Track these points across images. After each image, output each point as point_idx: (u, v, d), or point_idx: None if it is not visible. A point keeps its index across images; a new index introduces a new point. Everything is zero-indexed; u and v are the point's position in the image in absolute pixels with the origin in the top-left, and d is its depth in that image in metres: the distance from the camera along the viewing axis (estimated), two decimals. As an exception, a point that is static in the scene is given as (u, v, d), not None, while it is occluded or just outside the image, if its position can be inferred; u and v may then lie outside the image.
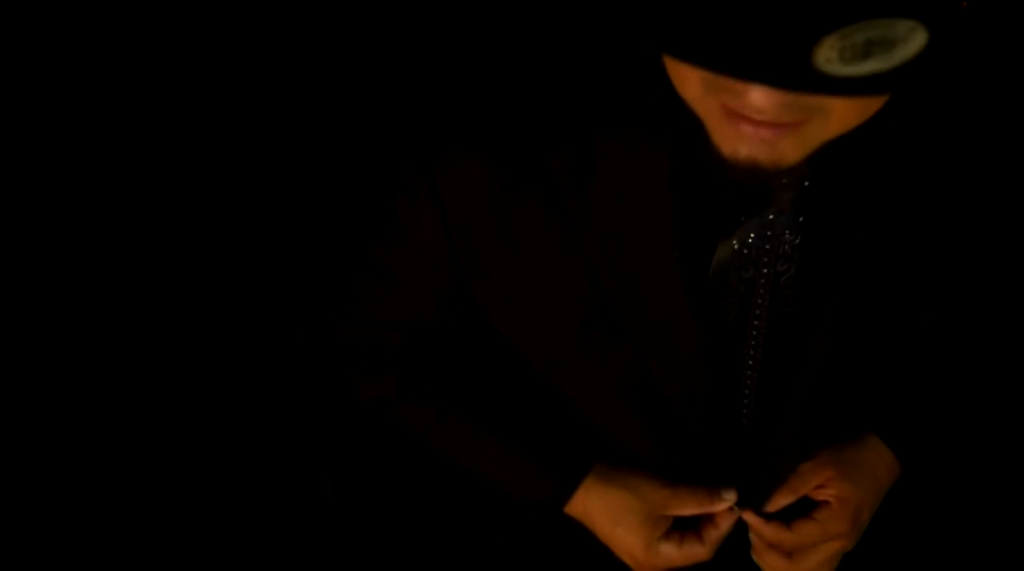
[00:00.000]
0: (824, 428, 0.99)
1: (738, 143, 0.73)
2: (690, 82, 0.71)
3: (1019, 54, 0.85)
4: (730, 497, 0.99)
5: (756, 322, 0.93)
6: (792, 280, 0.91)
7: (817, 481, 0.99)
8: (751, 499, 1.00)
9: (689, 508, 0.99)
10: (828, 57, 0.64)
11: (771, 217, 0.88)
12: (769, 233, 0.88)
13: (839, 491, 0.98)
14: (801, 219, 0.88)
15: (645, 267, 0.87)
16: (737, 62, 0.64)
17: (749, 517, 1.00)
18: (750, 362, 0.95)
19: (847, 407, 1.00)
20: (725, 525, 1.00)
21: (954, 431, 1.03)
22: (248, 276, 1.54)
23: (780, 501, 0.99)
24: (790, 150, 0.74)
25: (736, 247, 0.89)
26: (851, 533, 0.99)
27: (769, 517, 1.01)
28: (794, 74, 0.64)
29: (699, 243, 0.88)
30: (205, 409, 1.56)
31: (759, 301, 0.92)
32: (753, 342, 0.94)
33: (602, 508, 1.00)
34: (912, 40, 0.64)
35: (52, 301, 1.49)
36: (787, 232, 0.88)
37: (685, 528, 1.01)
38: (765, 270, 0.90)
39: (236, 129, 1.47)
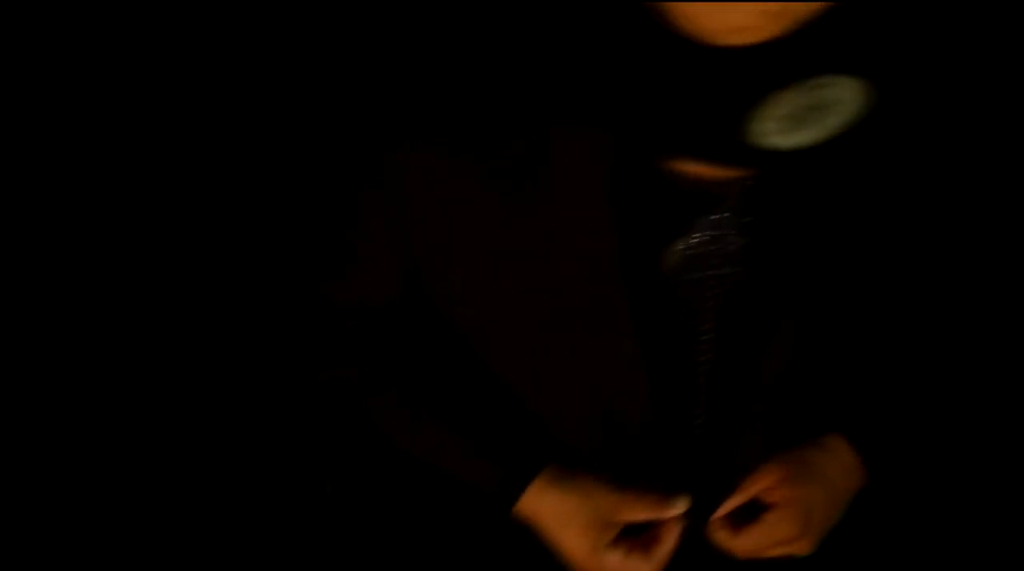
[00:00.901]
0: (783, 431, 0.98)
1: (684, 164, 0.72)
2: None
3: (955, 47, 0.83)
4: (681, 504, 0.97)
5: (706, 325, 0.92)
6: (741, 282, 0.90)
7: (766, 483, 0.96)
8: (707, 504, 0.98)
9: (639, 514, 0.97)
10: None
11: (716, 218, 0.87)
12: (715, 235, 0.87)
13: (786, 493, 0.95)
14: (747, 220, 0.87)
15: (590, 264, 0.87)
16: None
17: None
18: (701, 366, 0.94)
19: (807, 409, 0.98)
20: (671, 541, 0.98)
21: (920, 430, 1.01)
22: (245, 275, 1.55)
23: (730, 504, 0.97)
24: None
25: (683, 249, 0.88)
26: (803, 536, 0.96)
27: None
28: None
29: (647, 244, 0.88)
30: (205, 408, 1.57)
31: (708, 304, 0.91)
32: (704, 346, 0.93)
33: (551, 510, 0.99)
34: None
35: (50, 301, 1.51)
36: (733, 233, 0.87)
37: (635, 535, 0.99)
38: (712, 272, 0.89)
39: (205, 120, 1.48)
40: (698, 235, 0.87)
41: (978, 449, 1.12)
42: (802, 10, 0.63)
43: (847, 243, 0.87)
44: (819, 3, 0.63)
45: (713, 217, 0.87)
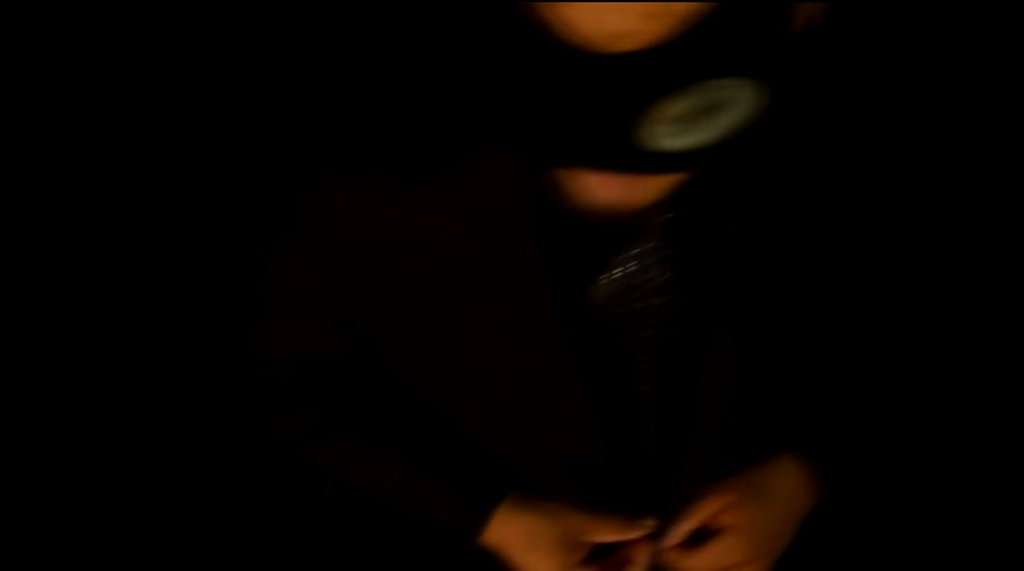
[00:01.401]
0: (736, 450, 0.96)
1: (595, 190, 0.72)
2: None
3: (865, 57, 0.81)
4: (648, 525, 0.97)
5: (643, 357, 0.91)
6: (672, 313, 0.89)
7: (718, 507, 0.96)
8: (664, 526, 0.98)
9: (608, 535, 0.97)
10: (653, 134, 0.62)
11: (639, 251, 0.85)
12: (640, 267, 0.86)
13: (738, 518, 0.95)
14: (670, 252, 0.86)
15: (522, 303, 0.87)
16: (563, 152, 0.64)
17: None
18: (645, 395, 0.93)
19: (757, 427, 0.96)
20: (641, 563, 0.99)
21: (871, 441, 0.99)
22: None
23: (682, 528, 0.97)
24: (648, 191, 0.72)
25: (608, 284, 0.87)
26: (754, 561, 0.96)
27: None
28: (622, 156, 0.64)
29: (573, 280, 0.87)
30: (204, 407, 1.59)
31: (642, 336, 0.90)
32: (644, 375, 0.92)
33: (518, 533, 0.99)
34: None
35: (50, 301, 1.51)
36: (655, 266, 0.86)
37: (602, 558, 0.99)
38: (642, 304, 0.88)
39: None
40: (620, 269, 0.86)
41: (931, 457, 1.10)
42: (685, 11, 0.60)
43: (772, 264, 0.86)
44: (703, 3, 0.61)
45: (635, 250, 0.85)
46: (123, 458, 1.53)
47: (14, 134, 1.41)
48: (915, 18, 0.90)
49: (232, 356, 1.03)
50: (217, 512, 1.55)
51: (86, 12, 1.31)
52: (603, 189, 0.72)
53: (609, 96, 0.62)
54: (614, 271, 0.86)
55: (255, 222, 0.93)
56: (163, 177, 1.49)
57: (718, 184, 0.82)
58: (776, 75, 0.65)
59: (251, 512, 1.56)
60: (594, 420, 0.91)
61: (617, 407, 0.93)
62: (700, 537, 0.98)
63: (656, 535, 0.98)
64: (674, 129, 0.64)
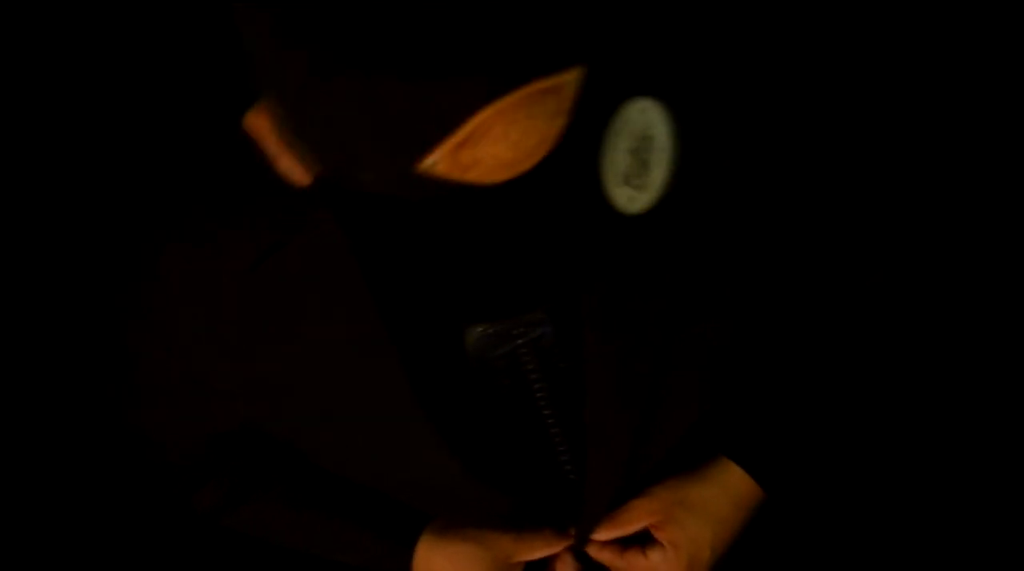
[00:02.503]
0: (637, 459, 0.97)
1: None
2: None
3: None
4: (572, 533, 0.99)
5: (536, 387, 0.93)
6: (554, 341, 0.91)
7: (647, 521, 0.97)
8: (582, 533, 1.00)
9: (537, 551, 0.99)
10: None
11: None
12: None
13: (671, 536, 0.96)
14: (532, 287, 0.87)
15: (364, 369, 0.88)
16: None
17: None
18: (548, 419, 0.95)
19: (659, 437, 0.97)
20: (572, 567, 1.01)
21: (799, 432, 0.99)
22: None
23: (604, 535, 0.98)
24: None
25: (480, 330, 0.90)
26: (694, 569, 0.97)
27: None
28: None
29: (445, 332, 0.89)
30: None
31: (528, 368, 0.92)
32: (542, 402, 0.94)
33: (445, 564, 0.99)
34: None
35: (49, 301, 1.50)
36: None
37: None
38: (520, 341, 0.90)
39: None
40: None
41: (864, 442, 1.11)
42: (567, 116, 0.62)
43: (641, 273, 0.86)
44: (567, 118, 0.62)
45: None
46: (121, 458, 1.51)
47: None
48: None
49: (130, 440, 1.05)
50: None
51: None
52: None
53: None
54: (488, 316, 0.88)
55: (110, 329, 0.95)
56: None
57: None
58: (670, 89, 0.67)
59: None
60: (462, 462, 0.92)
61: (525, 435, 0.95)
62: (640, 539, 1.00)
63: (580, 543, 1.00)
64: (631, 191, 0.66)
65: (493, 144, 0.60)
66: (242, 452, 1.05)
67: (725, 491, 0.98)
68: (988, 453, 1.33)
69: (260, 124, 0.68)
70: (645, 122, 0.64)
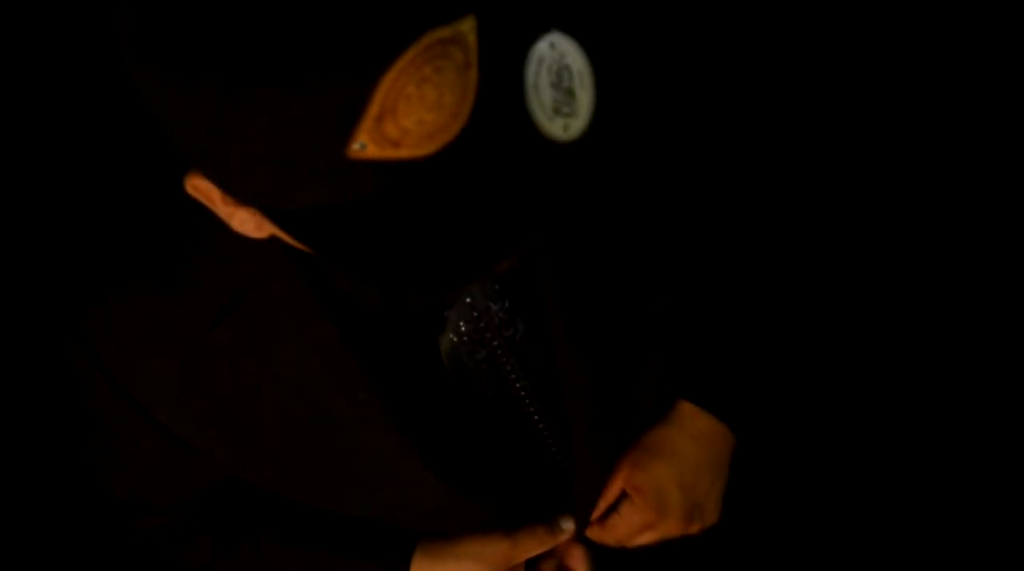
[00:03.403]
0: (642, 423, 0.99)
1: None
2: None
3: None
4: (569, 526, 0.99)
5: (518, 385, 0.93)
6: (527, 336, 0.91)
7: (622, 478, 0.98)
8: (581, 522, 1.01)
9: (532, 550, 0.99)
10: None
11: (468, 301, 0.88)
12: (476, 313, 0.89)
13: (634, 481, 0.97)
14: (497, 286, 0.88)
15: (338, 402, 0.87)
16: None
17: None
18: (534, 415, 0.95)
19: (659, 398, 0.99)
20: (579, 561, 1.01)
21: (755, 368, 1.00)
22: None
23: (598, 510, 0.99)
24: None
25: (454, 339, 0.90)
26: (665, 517, 0.97)
27: None
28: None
29: (417, 345, 0.89)
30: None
31: (508, 368, 0.92)
32: (527, 401, 0.94)
33: None
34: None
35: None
36: (491, 304, 0.89)
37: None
38: (496, 343, 0.91)
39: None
40: (461, 322, 0.89)
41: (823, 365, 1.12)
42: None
43: (576, 257, 0.87)
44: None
45: (466, 301, 0.88)
46: None
47: None
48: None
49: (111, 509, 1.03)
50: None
51: None
52: None
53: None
54: (457, 324, 0.89)
55: (64, 395, 0.92)
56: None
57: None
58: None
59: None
60: (451, 480, 0.92)
61: (514, 435, 0.95)
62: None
63: (580, 530, 1.01)
64: (564, 120, 0.65)
65: (413, 109, 0.59)
66: (223, 503, 1.03)
67: (680, 428, 0.98)
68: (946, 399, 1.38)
69: (200, 186, 0.67)
70: (557, 54, 0.64)
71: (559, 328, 0.89)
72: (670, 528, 0.98)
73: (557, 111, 0.64)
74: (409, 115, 0.59)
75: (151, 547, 1.04)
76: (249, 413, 0.87)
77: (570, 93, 0.64)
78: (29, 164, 1.21)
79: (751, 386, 1.00)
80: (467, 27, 0.60)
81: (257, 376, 0.86)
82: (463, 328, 0.90)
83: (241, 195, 0.65)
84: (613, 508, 1.00)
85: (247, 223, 0.68)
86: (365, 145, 0.60)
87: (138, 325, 0.84)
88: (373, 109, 0.58)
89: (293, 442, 0.89)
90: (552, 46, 0.64)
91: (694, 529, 1.00)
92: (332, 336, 0.84)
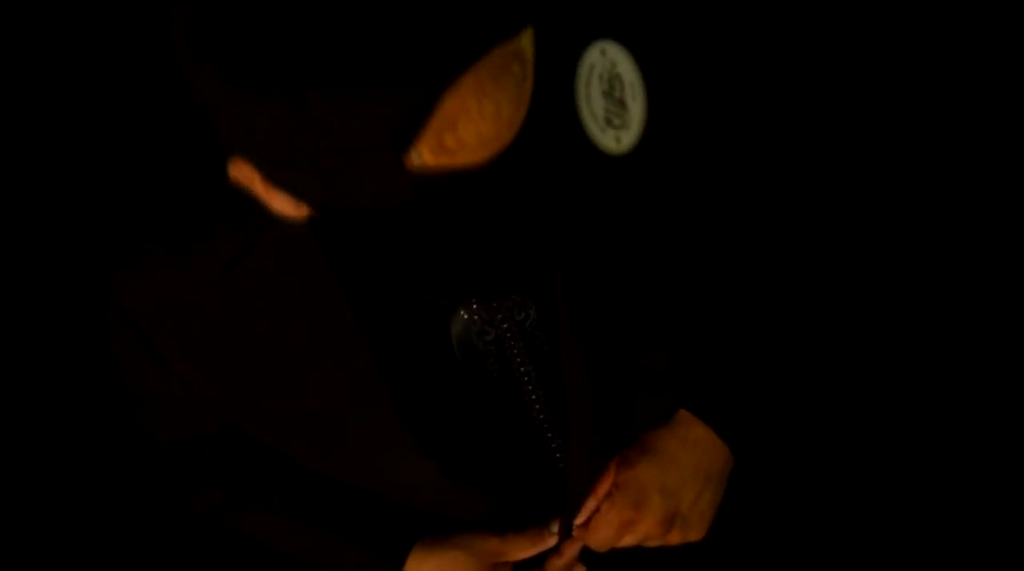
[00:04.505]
0: (616, 436, 0.98)
1: None
2: None
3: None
4: (556, 530, 1.00)
5: (523, 370, 0.93)
6: (537, 323, 0.91)
7: (609, 475, 0.97)
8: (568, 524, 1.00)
9: (522, 551, 1.00)
10: None
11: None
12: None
13: (620, 478, 0.96)
14: None
15: (338, 363, 0.88)
16: None
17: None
18: (535, 404, 0.95)
19: (657, 405, 0.98)
20: (570, 553, 1.01)
21: (740, 377, 0.99)
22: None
23: (587, 508, 0.98)
24: None
25: (465, 317, 0.90)
26: (643, 518, 0.96)
27: None
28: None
29: (427, 319, 0.89)
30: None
31: (514, 352, 0.92)
32: (530, 388, 0.94)
33: None
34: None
35: (51, 301, 1.45)
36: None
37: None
38: (505, 325, 0.91)
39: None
40: (474, 301, 0.89)
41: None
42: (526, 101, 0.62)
43: (615, 251, 0.87)
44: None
45: None
46: (121, 457, 1.45)
47: None
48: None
49: (135, 439, 1.06)
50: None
51: None
52: None
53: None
54: (470, 302, 0.89)
55: (91, 327, 0.96)
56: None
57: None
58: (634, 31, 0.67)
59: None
60: (443, 460, 0.92)
61: (511, 424, 0.95)
62: None
63: (565, 532, 1.00)
64: (615, 132, 0.65)
65: (472, 122, 0.60)
66: (236, 459, 1.05)
67: (674, 432, 0.97)
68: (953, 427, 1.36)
69: (243, 171, 0.68)
70: (608, 62, 0.64)
71: (566, 319, 0.88)
72: (648, 529, 0.96)
73: (609, 122, 0.64)
74: (468, 127, 0.60)
75: (170, 486, 1.07)
76: (251, 363, 0.89)
77: (621, 104, 0.64)
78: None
79: (750, 400, 0.99)
80: (526, 40, 0.61)
81: (262, 327, 0.87)
82: (475, 307, 0.90)
83: (290, 190, 0.65)
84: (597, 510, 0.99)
85: (286, 205, 0.69)
86: (422, 154, 0.61)
87: (160, 282, 0.86)
88: (435, 122, 0.59)
89: (288, 396, 0.90)
90: (603, 53, 0.64)
91: (674, 538, 0.98)
92: (338, 299, 0.85)
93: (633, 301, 0.90)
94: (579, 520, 0.99)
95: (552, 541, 1.00)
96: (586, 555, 1.02)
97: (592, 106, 0.63)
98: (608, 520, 0.96)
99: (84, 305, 0.98)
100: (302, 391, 0.90)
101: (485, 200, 0.63)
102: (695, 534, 0.98)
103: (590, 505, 0.98)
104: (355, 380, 0.88)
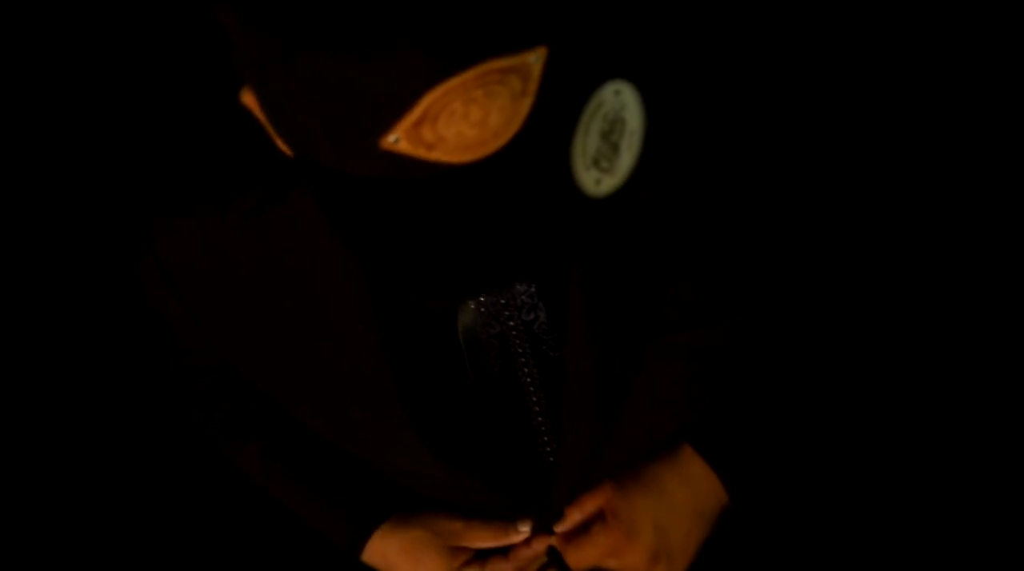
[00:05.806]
0: (639, 449, 0.98)
1: None
2: None
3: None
4: (524, 529, 0.99)
5: (525, 370, 0.92)
6: (546, 326, 0.90)
7: (603, 496, 0.97)
8: (544, 525, 1.00)
9: (484, 540, 1.00)
10: None
11: None
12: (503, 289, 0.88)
13: (613, 505, 0.96)
14: None
15: (347, 340, 0.90)
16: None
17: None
18: (535, 406, 0.94)
19: (654, 427, 0.97)
20: (538, 548, 1.00)
21: (768, 438, 0.98)
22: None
23: (571, 519, 0.98)
24: None
25: (473, 307, 0.90)
26: (630, 549, 0.95)
27: None
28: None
29: (436, 306, 0.89)
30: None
31: (519, 351, 0.91)
32: (531, 388, 0.93)
33: (399, 550, 1.02)
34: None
35: (52, 300, 1.47)
36: (518, 284, 0.88)
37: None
38: (511, 323, 0.90)
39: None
40: (483, 294, 0.88)
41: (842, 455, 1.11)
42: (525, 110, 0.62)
43: (636, 267, 0.86)
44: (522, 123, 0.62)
45: None
46: (122, 457, 1.48)
47: None
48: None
49: (153, 353, 1.10)
50: (216, 512, 1.51)
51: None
52: None
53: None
54: (478, 298, 0.89)
55: (118, 258, 1.02)
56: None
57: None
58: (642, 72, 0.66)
59: (250, 511, 1.55)
60: (419, 431, 0.93)
61: (509, 421, 0.94)
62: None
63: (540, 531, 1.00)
64: (598, 174, 0.65)
65: (454, 122, 0.60)
66: (239, 395, 1.08)
67: (673, 468, 0.97)
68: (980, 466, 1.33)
69: (251, 102, 0.69)
70: (618, 104, 0.64)
71: (576, 328, 0.88)
72: (635, 562, 0.96)
73: (596, 163, 0.64)
74: (449, 126, 0.61)
75: (178, 401, 1.12)
76: (258, 312, 0.91)
77: (615, 148, 0.64)
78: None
79: (754, 447, 0.98)
80: (535, 57, 0.60)
81: (273, 280, 0.89)
82: (482, 299, 0.89)
83: (281, 132, 0.67)
84: (585, 528, 0.99)
85: (281, 144, 0.70)
86: (399, 139, 0.61)
87: (182, 219, 0.91)
88: (413, 114, 0.60)
89: (289, 351, 0.92)
90: (617, 93, 0.64)
91: None
92: (352, 265, 0.86)
93: (647, 318, 0.88)
94: (561, 527, 0.99)
95: (517, 539, 1.00)
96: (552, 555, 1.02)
97: (586, 142, 0.63)
98: (596, 542, 0.97)
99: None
100: (303, 348, 0.91)
101: (463, 201, 0.64)
102: (678, 570, 0.99)
103: (574, 515, 0.98)
104: (358, 349, 0.89)
